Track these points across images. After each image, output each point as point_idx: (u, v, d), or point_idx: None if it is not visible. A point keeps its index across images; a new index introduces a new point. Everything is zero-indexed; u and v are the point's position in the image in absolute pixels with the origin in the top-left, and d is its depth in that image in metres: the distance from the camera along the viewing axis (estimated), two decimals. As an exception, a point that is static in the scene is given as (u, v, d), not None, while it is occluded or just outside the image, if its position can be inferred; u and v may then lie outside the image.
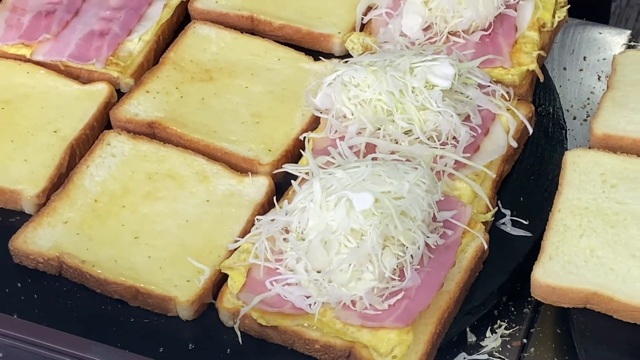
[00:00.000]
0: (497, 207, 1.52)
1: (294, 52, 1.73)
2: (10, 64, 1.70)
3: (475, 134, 1.54)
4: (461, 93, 1.56)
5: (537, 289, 1.41)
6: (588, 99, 1.77)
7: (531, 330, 1.43)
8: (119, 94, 1.69)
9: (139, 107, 1.64)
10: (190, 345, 1.38)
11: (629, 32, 1.89)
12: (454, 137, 1.52)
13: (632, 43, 1.86)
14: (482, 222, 1.47)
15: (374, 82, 1.53)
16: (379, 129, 1.53)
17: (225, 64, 1.71)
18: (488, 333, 1.42)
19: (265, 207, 1.52)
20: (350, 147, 1.51)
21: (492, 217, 1.50)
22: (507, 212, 1.52)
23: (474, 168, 1.52)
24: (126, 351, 1.32)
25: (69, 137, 1.59)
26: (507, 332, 1.43)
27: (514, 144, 1.58)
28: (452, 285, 1.40)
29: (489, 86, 1.60)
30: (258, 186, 1.54)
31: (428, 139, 1.51)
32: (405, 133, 1.52)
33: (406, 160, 1.47)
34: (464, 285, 1.41)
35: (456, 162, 1.51)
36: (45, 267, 1.45)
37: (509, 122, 1.58)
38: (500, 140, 1.57)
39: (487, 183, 1.53)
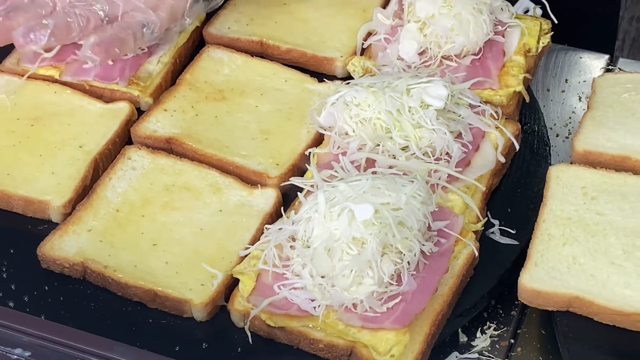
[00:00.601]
0: (486, 218, 1.51)
1: (300, 74, 1.73)
2: (40, 84, 1.69)
3: (467, 150, 1.54)
4: (454, 112, 1.56)
5: (524, 293, 1.40)
6: (570, 118, 1.76)
7: (518, 331, 1.43)
8: (139, 112, 1.68)
9: (157, 124, 1.63)
10: (204, 344, 1.37)
11: (607, 56, 1.88)
12: (447, 153, 1.52)
13: (610, 67, 1.85)
14: (472, 231, 1.46)
15: (373, 102, 1.52)
16: (378, 145, 1.52)
17: (236, 84, 1.71)
18: (478, 334, 1.41)
19: (273, 216, 1.51)
20: (352, 162, 1.51)
21: (482, 226, 1.49)
22: (496, 222, 1.51)
23: (465, 181, 1.51)
24: (145, 350, 1.31)
25: (93, 152, 1.59)
26: (496, 332, 1.42)
27: (502, 159, 1.57)
28: (445, 289, 1.39)
29: (479, 106, 1.59)
30: (267, 197, 1.53)
31: (423, 154, 1.51)
32: (403, 149, 1.52)
33: (403, 174, 1.47)
34: (456, 289, 1.40)
35: (449, 175, 1.50)
36: (70, 272, 1.44)
37: (498, 139, 1.58)
38: (490, 155, 1.57)
39: (477, 195, 1.52)
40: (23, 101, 1.66)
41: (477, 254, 1.43)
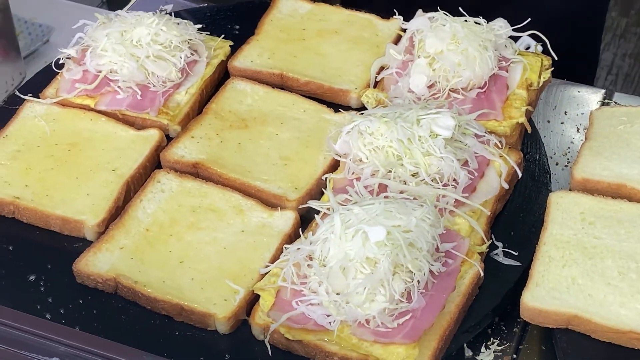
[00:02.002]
0: (491, 240, 1.50)
1: (317, 104, 1.73)
2: (76, 112, 1.70)
3: (472, 177, 1.54)
4: (460, 141, 1.56)
5: (526, 311, 1.40)
6: (569, 147, 1.76)
7: (520, 347, 1.42)
8: (168, 139, 1.68)
9: (185, 150, 1.64)
10: (227, 355, 1.37)
11: (603, 91, 1.88)
12: (454, 179, 1.52)
13: (606, 100, 1.85)
14: (478, 253, 1.46)
15: (386, 131, 1.52)
16: (390, 171, 1.52)
17: (258, 114, 1.71)
18: (483, 349, 1.41)
19: (292, 237, 1.51)
20: (365, 187, 1.51)
21: (486, 248, 1.48)
22: (500, 244, 1.50)
23: (471, 206, 1.51)
24: (172, 360, 1.30)
25: (125, 175, 1.59)
26: (499, 348, 1.41)
27: (506, 186, 1.57)
28: (452, 307, 1.39)
29: (484, 136, 1.59)
30: (286, 219, 1.53)
31: (432, 180, 1.50)
32: (413, 175, 1.51)
33: (413, 199, 1.46)
34: (462, 307, 1.40)
35: (456, 200, 1.50)
36: (103, 287, 1.45)
37: (502, 167, 1.57)
38: (494, 182, 1.56)
39: (482, 219, 1.52)
40: (61, 128, 1.67)
41: (482, 274, 1.43)
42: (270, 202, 1.56)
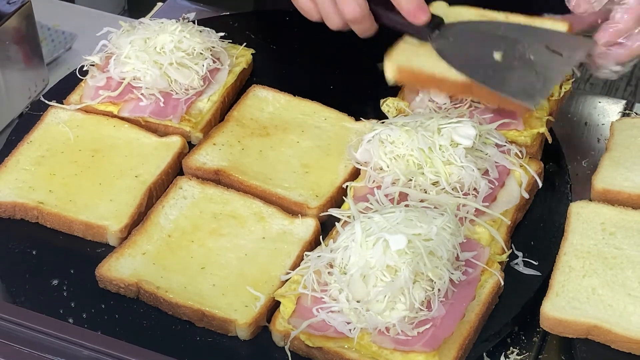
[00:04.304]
0: (511, 249, 1.51)
1: (339, 112, 1.75)
2: (100, 119, 1.72)
3: (493, 186, 1.54)
4: (481, 151, 1.57)
5: (545, 321, 1.40)
6: (589, 158, 1.76)
7: (539, 356, 1.42)
8: (190, 146, 1.70)
9: (207, 157, 1.65)
10: (248, 361, 1.38)
11: (624, 102, 1.89)
12: (475, 189, 1.52)
13: (626, 111, 1.86)
14: (498, 262, 1.47)
15: (407, 140, 1.53)
16: (411, 180, 1.53)
17: (280, 121, 1.73)
18: (502, 358, 1.41)
19: (312, 244, 1.51)
20: (386, 195, 1.52)
21: (507, 258, 1.49)
22: (520, 254, 1.51)
23: (491, 215, 1.51)
24: (195, 365, 1.32)
25: (148, 181, 1.61)
26: (519, 357, 1.41)
27: (526, 196, 1.58)
28: (472, 316, 1.39)
29: (505, 145, 1.60)
30: (307, 226, 1.54)
31: (452, 189, 1.51)
32: (433, 184, 1.52)
33: (434, 208, 1.48)
34: (482, 316, 1.40)
35: (476, 210, 1.51)
36: (125, 292, 1.46)
37: (522, 176, 1.58)
38: (514, 192, 1.57)
39: (502, 228, 1.52)
40: (85, 134, 1.69)
41: (502, 283, 1.44)
42: (291, 210, 1.57)
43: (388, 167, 1.55)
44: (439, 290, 1.35)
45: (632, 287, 1.41)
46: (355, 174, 1.62)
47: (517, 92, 1.58)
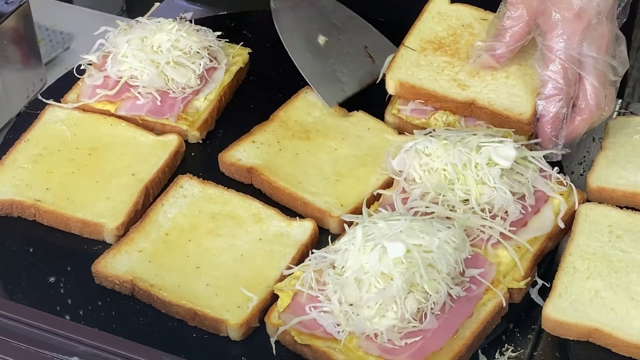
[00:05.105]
0: (530, 278, 1.46)
1: (383, 124, 1.72)
2: (97, 117, 1.73)
3: (525, 212, 1.50)
4: (521, 174, 1.53)
5: (547, 322, 1.40)
6: (584, 157, 1.75)
7: (534, 353, 1.42)
8: (187, 144, 1.71)
9: (243, 153, 1.65)
10: (243, 358, 1.39)
11: (619, 100, 1.89)
12: (506, 212, 1.49)
13: (622, 111, 1.86)
14: (514, 288, 1.43)
15: (443, 153, 1.51)
16: (440, 194, 1.50)
17: (322, 127, 1.72)
18: (497, 355, 1.41)
19: (309, 246, 1.51)
20: (411, 208, 1.49)
21: (524, 285, 1.45)
22: (541, 282, 1.47)
23: (516, 241, 1.47)
24: (191, 361, 1.32)
25: (144, 179, 1.61)
26: (514, 354, 1.41)
27: (562, 225, 1.53)
28: (467, 332, 1.37)
29: (547, 171, 1.56)
30: (304, 229, 1.54)
31: (482, 210, 1.48)
32: (463, 202, 1.49)
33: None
34: (478, 334, 1.38)
35: (502, 233, 1.47)
36: (120, 288, 1.46)
37: (561, 204, 1.54)
38: (548, 220, 1.52)
39: (527, 255, 1.48)
40: (82, 132, 1.70)
41: (504, 304, 1.41)
42: (313, 216, 1.56)
43: (420, 179, 1.52)
44: (434, 303, 1.34)
45: (636, 291, 1.41)
46: (386, 187, 1.59)
47: (320, 86, 1.62)
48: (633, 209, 1.55)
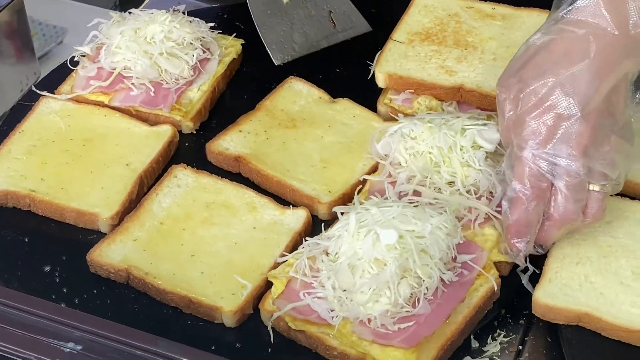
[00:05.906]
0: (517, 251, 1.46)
1: (368, 111, 1.75)
2: (91, 108, 1.74)
3: None
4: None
5: (537, 307, 1.42)
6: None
7: (526, 338, 1.44)
8: (180, 135, 1.73)
9: (230, 143, 1.67)
10: (238, 344, 1.40)
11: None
12: (491, 192, 1.51)
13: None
14: (497, 262, 1.46)
15: (428, 136, 1.53)
16: (426, 177, 1.53)
17: (308, 115, 1.74)
18: (489, 340, 1.43)
19: (302, 234, 1.53)
20: (399, 192, 1.51)
21: (509, 258, 1.47)
22: (532, 269, 1.48)
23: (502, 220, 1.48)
24: (186, 345, 1.34)
25: (138, 169, 1.63)
26: (506, 339, 1.43)
27: None
28: (459, 317, 1.39)
29: None
30: (297, 217, 1.56)
31: (467, 192, 1.51)
32: (449, 184, 1.52)
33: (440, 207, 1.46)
34: (470, 319, 1.40)
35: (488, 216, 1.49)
36: (115, 277, 1.48)
37: None
38: None
39: None
40: (76, 123, 1.71)
41: (496, 288, 1.43)
42: (302, 203, 1.58)
43: (406, 162, 1.55)
44: (427, 288, 1.35)
45: (625, 276, 1.43)
46: (372, 173, 1.61)
47: (272, 41, 1.64)
48: (622, 195, 1.56)
